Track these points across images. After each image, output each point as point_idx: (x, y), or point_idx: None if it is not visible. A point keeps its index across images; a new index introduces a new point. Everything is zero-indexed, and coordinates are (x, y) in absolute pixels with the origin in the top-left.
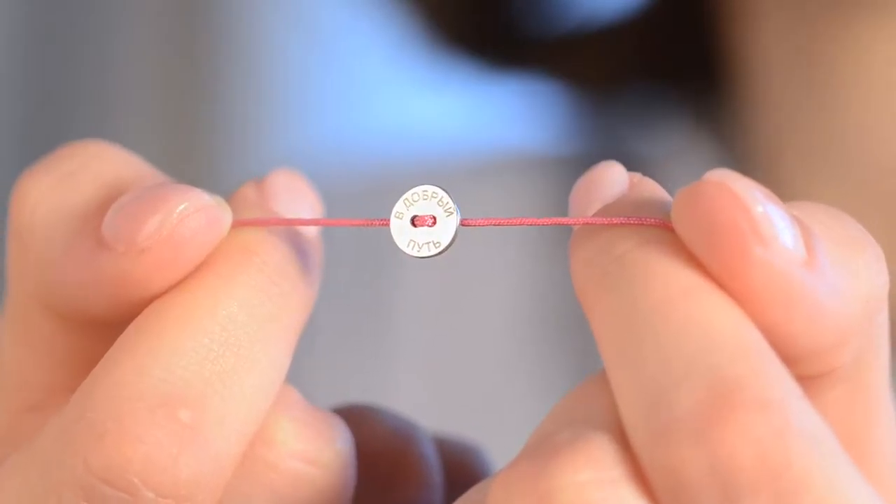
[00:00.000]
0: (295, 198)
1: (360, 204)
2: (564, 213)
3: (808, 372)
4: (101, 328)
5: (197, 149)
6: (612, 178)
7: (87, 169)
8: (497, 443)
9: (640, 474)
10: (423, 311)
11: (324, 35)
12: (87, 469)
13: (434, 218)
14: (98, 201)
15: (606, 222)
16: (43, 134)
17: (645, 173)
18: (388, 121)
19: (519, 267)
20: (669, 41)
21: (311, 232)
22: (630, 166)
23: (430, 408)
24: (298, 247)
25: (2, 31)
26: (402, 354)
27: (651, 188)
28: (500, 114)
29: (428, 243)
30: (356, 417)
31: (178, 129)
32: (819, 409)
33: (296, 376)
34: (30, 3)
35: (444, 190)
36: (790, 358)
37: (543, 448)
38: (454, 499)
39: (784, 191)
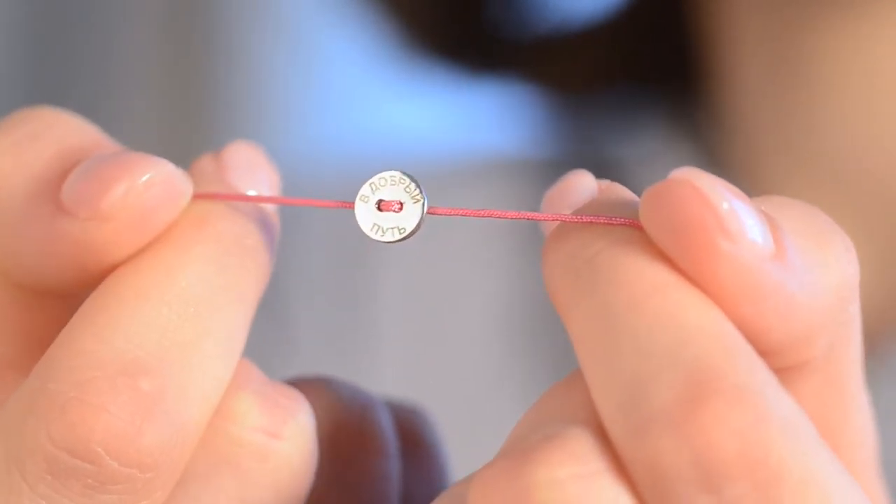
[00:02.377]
0: (253, 171)
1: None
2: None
3: (781, 364)
4: (54, 301)
5: (191, 152)
6: (582, 185)
7: (45, 134)
8: (477, 436)
9: (620, 468)
10: (403, 306)
11: (306, 41)
12: (50, 440)
13: (401, 203)
14: (57, 167)
15: (576, 220)
16: None
17: (622, 175)
18: (365, 126)
19: (500, 261)
20: (646, 43)
21: (268, 206)
22: (607, 169)
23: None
24: (255, 220)
25: (2, 31)
26: (382, 349)
27: (620, 192)
28: (477, 118)
29: (393, 228)
30: (312, 389)
31: (171, 133)
32: (796, 399)
33: (273, 369)
34: (30, 3)
35: (411, 176)
36: (763, 351)
37: (522, 445)
38: (405, 463)
39: (761, 192)
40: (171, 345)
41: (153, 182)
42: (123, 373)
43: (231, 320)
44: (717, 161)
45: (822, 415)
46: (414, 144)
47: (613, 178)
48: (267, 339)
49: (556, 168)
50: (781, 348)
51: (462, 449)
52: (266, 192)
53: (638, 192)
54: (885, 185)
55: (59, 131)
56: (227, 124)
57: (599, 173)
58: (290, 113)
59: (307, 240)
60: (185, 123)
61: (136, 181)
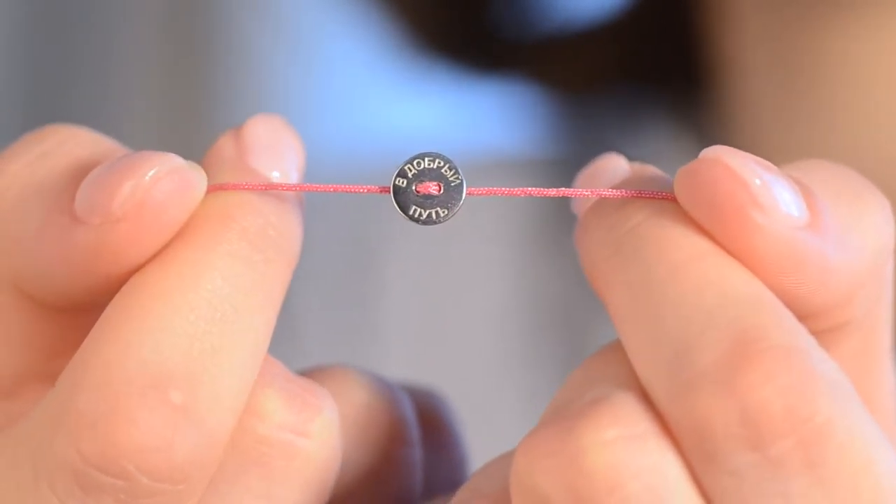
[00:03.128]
0: (276, 150)
1: (342, 205)
2: (547, 214)
3: (822, 326)
4: (76, 313)
5: (192, 152)
6: (615, 165)
7: (59, 150)
8: (485, 432)
9: (665, 429)
10: (410, 303)
11: (308, 41)
12: (80, 457)
13: (439, 185)
14: (70, 180)
15: (618, 194)
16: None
17: None
18: (371, 125)
19: (506, 260)
20: (650, 43)
21: (292, 180)
22: None
23: None
24: (281, 204)
25: (2, 31)
26: (389, 346)
27: (653, 171)
28: (481, 117)
29: (431, 210)
30: (335, 380)
31: (171, 133)
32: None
33: (285, 360)
34: (30, 3)
35: (447, 158)
36: (804, 314)
37: (568, 410)
38: (425, 448)
39: None
40: (200, 353)
41: (159, 176)
42: (152, 386)
43: (259, 319)
44: None
45: (857, 375)
46: (417, 144)
47: None
48: (273, 336)
49: (560, 167)
50: (822, 311)
51: (472, 444)
52: (292, 171)
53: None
54: (889, 184)
55: (70, 146)
56: (227, 124)
57: None
58: (291, 113)
59: (314, 235)
60: (185, 124)
61: (142, 177)
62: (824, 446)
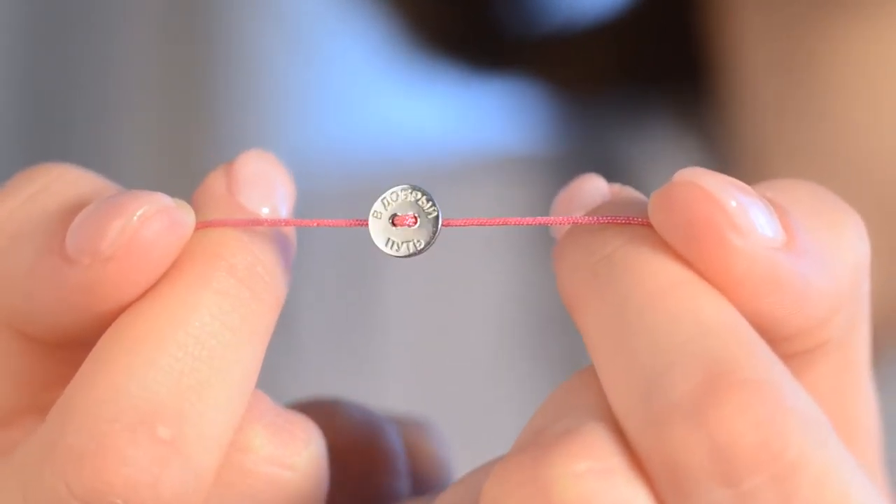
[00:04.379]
0: (267, 187)
1: (343, 206)
2: (549, 213)
3: (801, 347)
4: (68, 349)
5: (193, 151)
6: (593, 187)
7: (50, 189)
8: (484, 447)
9: (636, 463)
10: (410, 314)
11: (308, 39)
12: (70, 492)
13: (415, 217)
14: (61, 220)
15: (593, 221)
16: (42, 136)
17: (628, 172)
18: (372, 123)
19: (505, 268)
20: (653, 42)
21: (282, 216)
22: (614, 167)
23: (416, 410)
24: (270, 242)
25: (2, 32)
26: (389, 358)
27: (632, 194)
28: (484, 115)
29: (408, 242)
30: (323, 412)
31: (172, 133)
32: (812, 381)
33: (281, 381)
34: (30, 3)
35: (423, 190)
36: (783, 337)
37: (539, 439)
38: (413, 479)
39: None
40: (188, 389)
41: (147, 216)
42: (141, 422)
43: (246, 355)
44: (723, 158)
45: (837, 395)
46: (420, 142)
47: (619, 176)
48: (274, 351)
49: (562, 166)
50: (801, 333)
51: (470, 460)
52: (282, 206)
53: (644, 189)
54: (888, 183)
55: (61, 185)
56: (228, 124)
57: (605, 170)
58: (293, 111)
59: (313, 249)
60: (185, 123)
61: (131, 217)
62: (798, 481)
